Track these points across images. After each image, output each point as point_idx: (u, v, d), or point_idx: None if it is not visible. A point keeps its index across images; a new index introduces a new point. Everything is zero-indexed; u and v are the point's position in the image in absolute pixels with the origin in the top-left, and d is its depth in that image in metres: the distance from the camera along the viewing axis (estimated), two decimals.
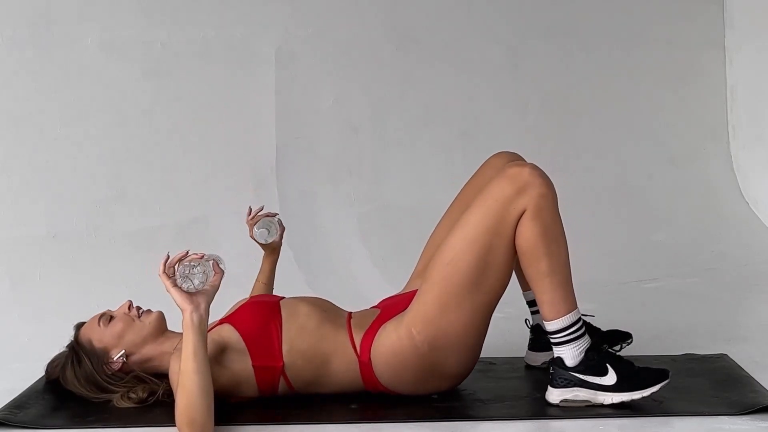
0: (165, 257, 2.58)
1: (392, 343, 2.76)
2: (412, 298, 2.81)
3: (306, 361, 2.77)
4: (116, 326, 2.80)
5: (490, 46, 4.95)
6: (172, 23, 4.23)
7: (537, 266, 2.70)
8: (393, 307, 2.87)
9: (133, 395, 2.76)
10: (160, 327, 2.82)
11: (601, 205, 4.95)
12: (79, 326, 2.85)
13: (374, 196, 4.60)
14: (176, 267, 2.56)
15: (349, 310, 2.91)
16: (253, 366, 2.75)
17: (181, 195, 4.15)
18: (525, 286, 3.10)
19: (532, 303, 3.11)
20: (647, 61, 5.31)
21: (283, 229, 3.16)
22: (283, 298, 2.91)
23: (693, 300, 4.21)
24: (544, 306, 2.72)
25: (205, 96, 4.33)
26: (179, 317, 2.72)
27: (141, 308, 2.84)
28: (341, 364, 2.79)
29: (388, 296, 3.00)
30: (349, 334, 2.80)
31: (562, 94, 5.11)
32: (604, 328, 3.10)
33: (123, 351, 2.78)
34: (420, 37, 4.80)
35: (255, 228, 3.09)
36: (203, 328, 2.57)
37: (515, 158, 3.00)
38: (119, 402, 2.76)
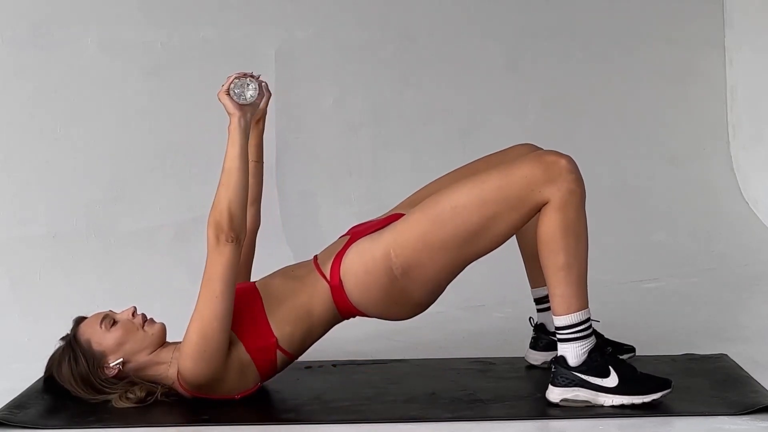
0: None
1: (365, 261, 2.78)
2: (391, 221, 2.81)
3: (293, 323, 2.79)
4: (118, 332, 2.79)
5: (490, 46, 4.95)
6: (172, 23, 4.22)
7: (554, 259, 2.70)
8: (366, 230, 2.88)
9: (131, 395, 2.76)
10: (161, 340, 2.83)
11: (601, 205, 4.94)
12: (79, 321, 2.84)
13: (374, 196, 4.60)
14: (232, 80, 2.80)
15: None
16: (248, 351, 2.76)
17: (181, 195, 4.15)
18: (534, 282, 3.10)
19: (539, 300, 3.12)
20: (647, 61, 5.31)
21: (269, 94, 2.99)
22: (256, 281, 2.92)
23: (693, 300, 4.21)
24: (556, 299, 2.72)
25: (205, 96, 4.32)
26: (179, 329, 2.73)
27: (146, 316, 2.84)
28: (318, 302, 2.81)
29: (356, 224, 3.00)
30: (317, 270, 2.84)
31: (562, 94, 5.10)
32: (603, 329, 3.10)
33: (121, 359, 2.78)
34: (420, 37, 4.80)
35: (230, 91, 2.82)
36: (248, 133, 2.79)
37: (538, 150, 2.98)
38: (118, 402, 2.76)
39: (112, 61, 4.09)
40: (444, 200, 2.74)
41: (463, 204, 2.71)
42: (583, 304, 2.72)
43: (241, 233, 2.71)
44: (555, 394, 2.74)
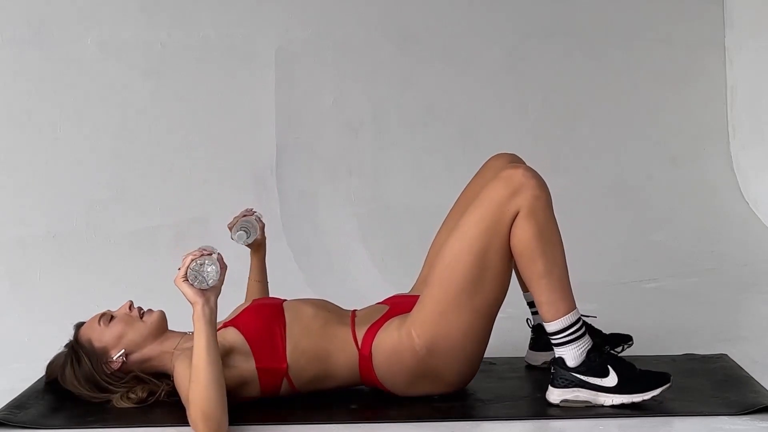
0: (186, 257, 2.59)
1: (393, 342, 2.77)
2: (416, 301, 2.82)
3: (309, 360, 2.78)
4: (116, 326, 2.80)
5: (490, 46, 4.95)
6: (172, 23, 4.23)
7: (533, 267, 2.70)
8: (401, 305, 2.87)
9: (132, 395, 2.76)
10: (162, 326, 2.82)
11: (601, 205, 4.95)
12: (79, 326, 2.85)
13: (374, 196, 4.60)
14: (188, 264, 2.58)
15: (353, 308, 2.92)
16: (257, 368, 2.75)
17: (181, 195, 4.15)
18: (525, 287, 3.10)
19: (532, 304, 3.12)
20: (647, 61, 5.31)
21: (262, 224, 3.10)
22: (285, 300, 2.91)
23: (693, 300, 4.21)
24: (542, 307, 2.73)
25: (205, 96, 4.33)
26: (180, 316, 2.73)
27: (142, 308, 2.84)
28: (341, 359, 2.79)
29: (396, 293, 3.00)
30: (351, 329, 2.81)
31: (562, 94, 5.10)
32: (603, 329, 3.10)
33: (123, 351, 2.78)
34: (420, 37, 4.80)
35: (233, 232, 3.03)
36: (214, 322, 2.59)
37: (514, 159, 3.01)
38: (119, 402, 2.76)
39: (112, 61, 4.09)
40: (440, 264, 2.75)
41: (453, 256, 2.72)
42: (570, 306, 2.72)
43: (220, 429, 2.59)
44: (555, 395, 2.74)
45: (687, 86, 5.42)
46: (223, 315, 2.80)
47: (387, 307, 2.89)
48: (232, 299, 2.94)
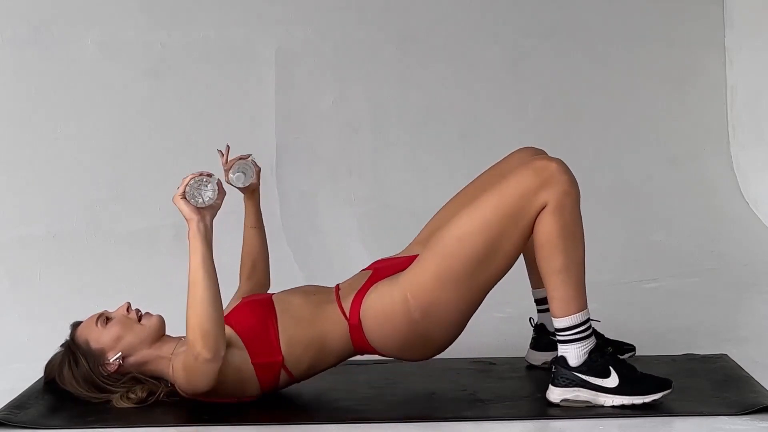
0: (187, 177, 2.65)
1: (384, 305, 2.76)
2: (410, 262, 2.81)
3: (304, 348, 2.78)
4: (114, 328, 2.79)
5: (490, 46, 4.95)
6: (172, 23, 4.23)
7: (551, 262, 2.70)
8: (387, 269, 2.86)
9: (132, 395, 2.76)
10: (160, 331, 2.82)
11: (601, 205, 4.95)
12: (76, 325, 2.84)
13: (374, 196, 4.60)
14: (187, 182, 2.64)
15: (336, 283, 2.92)
16: (253, 364, 2.75)
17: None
18: (535, 284, 3.10)
19: (540, 302, 3.12)
20: (647, 61, 5.31)
21: (258, 168, 3.05)
22: (274, 294, 2.91)
23: (693, 300, 4.21)
24: (554, 302, 2.72)
25: (205, 96, 4.33)
26: (178, 319, 2.72)
27: (140, 311, 2.84)
28: (334, 336, 2.80)
29: (379, 258, 2.99)
30: (338, 303, 2.82)
31: (562, 94, 5.10)
32: (603, 329, 3.10)
33: (120, 353, 2.78)
34: (420, 37, 4.80)
35: (230, 173, 2.98)
36: (209, 239, 2.63)
37: (541, 153, 2.99)
38: (118, 402, 2.76)
39: (112, 61, 4.09)
40: (448, 234, 2.74)
41: (467, 232, 2.71)
42: (582, 305, 2.72)
43: (217, 351, 2.61)
44: (555, 394, 2.74)
45: (687, 86, 5.42)
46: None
47: (370, 272, 2.88)
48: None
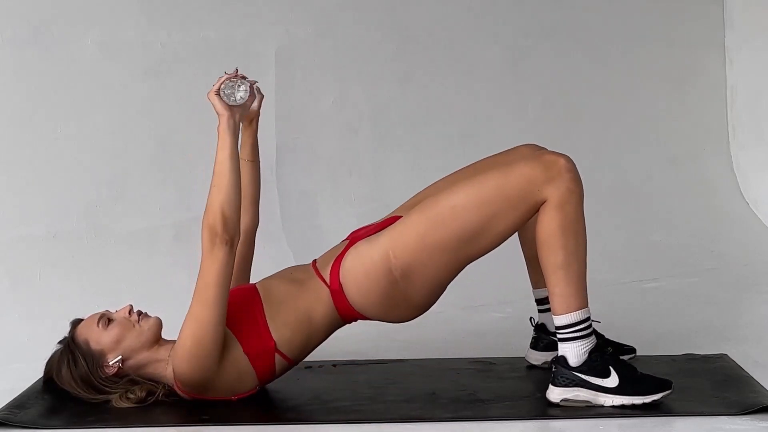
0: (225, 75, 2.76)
1: (364, 263, 2.77)
2: (390, 223, 2.81)
3: (293, 328, 2.79)
4: (115, 330, 2.79)
5: (490, 46, 4.95)
6: (172, 23, 4.22)
7: (552, 258, 2.70)
8: (364, 235, 2.87)
9: (131, 395, 2.76)
10: (157, 334, 2.82)
11: (601, 205, 4.94)
12: (76, 323, 2.84)
13: (374, 196, 4.60)
14: (222, 80, 2.76)
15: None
16: (246, 353, 2.75)
17: (181, 195, 4.15)
18: (536, 283, 3.10)
19: (540, 301, 3.12)
20: (647, 61, 5.31)
21: (261, 97, 2.96)
22: (257, 282, 2.91)
23: (693, 300, 4.21)
24: (555, 299, 2.73)
25: (205, 96, 4.32)
26: (176, 321, 2.73)
27: (141, 312, 2.84)
28: (318, 307, 2.81)
29: (357, 228, 2.99)
30: (317, 274, 2.83)
31: (562, 94, 5.10)
32: (603, 329, 3.10)
33: (120, 356, 2.78)
34: (420, 37, 4.80)
35: (220, 91, 2.82)
36: (237, 133, 2.77)
37: (543, 150, 2.99)
38: (118, 402, 2.76)
39: (112, 61, 4.09)
40: (443, 201, 2.74)
41: (463, 204, 2.71)
42: (583, 303, 2.73)
43: (235, 236, 2.69)
44: (555, 394, 2.74)
45: (687, 86, 5.42)
46: None
47: (347, 242, 2.89)
48: None
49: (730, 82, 5.47)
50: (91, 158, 4.04)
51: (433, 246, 2.73)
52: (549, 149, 2.95)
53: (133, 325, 2.80)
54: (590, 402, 2.72)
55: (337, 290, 2.79)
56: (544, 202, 2.69)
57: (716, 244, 4.99)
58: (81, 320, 2.85)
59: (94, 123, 4.06)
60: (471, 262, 2.81)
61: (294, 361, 2.83)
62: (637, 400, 2.69)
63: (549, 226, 2.69)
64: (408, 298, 2.80)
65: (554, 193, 2.68)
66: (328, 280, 2.81)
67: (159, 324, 2.83)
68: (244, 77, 2.79)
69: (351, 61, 4.63)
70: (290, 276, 2.89)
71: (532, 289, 3.12)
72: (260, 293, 2.84)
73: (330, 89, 4.59)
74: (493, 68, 4.95)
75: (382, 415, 2.75)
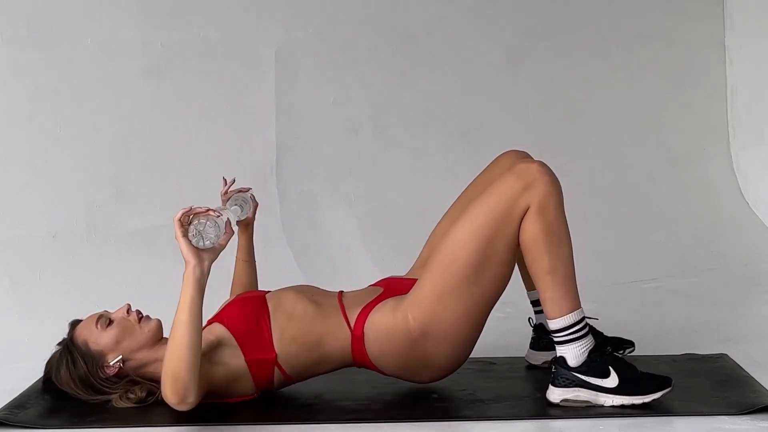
0: (188, 208, 2.60)
1: (387, 323, 2.77)
2: (414, 284, 2.82)
3: (299, 346, 2.78)
4: (114, 330, 2.79)
5: (490, 46, 4.95)
6: (172, 23, 4.23)
7: (539, 263, 2.71)
8: (395, 288, 2.87)
9: (132, 395, 2.76)
10: (158, 335, 2.82)
11: (601, 205, 4.95)
12: (75, 324, 2.84)
13: (374, 196, 4.60)
14: (191, 219, 2.59)
15: (340, 290, 2.92)
16: (246, 361, 2.75)
17: (181, 195, 4.15)
18: (530, 285, 3.10)
19: (535, 303, 3.12)
20: (647, 61, 5.31)
21: (256, 204, 3.10)
22: (268, 291, 2.91)
23: (693, 300, 4.21)
24: (547, 304, 2.73)
25: (205, 96, 4.33)
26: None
27: (141, 313, 2.84)
28: (333, 342, 2.79)
29: (390, 276, 3.00)
30: (341, 311, 2.81)
31: (562, 94, 5.10)
32: (603, 329, 3.10)
33: (120, 357, 2.78)
34: (420, 37, 4.80)
35: (228, 204, 3.03)
36: (203, 284, 2.59)
37: (525, 156, 3.02)
38: (118, 402, 2.76)
39: (112, 61, 4.09)
40: (441, 250, 2.76)
41: (457, 243, 2.72)
42: (575, 305, 2.72)
43: (184, 398, 2.59)
44: (555, 394, 2.74)
45: (687, 86, 5.42)
46: (209, 312, 2.79)
47: (381, 289, 2.89)
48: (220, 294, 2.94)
49: (730, 82, 5.47)
50: (91, 158, 4.04)
51: (445, 296, 2.73)
52: (524, 157, 2.97)
53: (133, 326, 2.80)
54: (590, 402, 2.72)
55: (358, 337, 2.79)
56: (528, 209, 2.69)
57: (716, 244, 4.99)
58: (80, 321, 2.85)
59: (94, 123, 4.06)
60: (490, 303, 2.78)
61: (293, 378, 2.82)
62: (637, 399, 2.70)
63: (532, 232, 2.70)
64: (427, 357, 2.79)
65: (534, 199, 2.69)
66: (352, 324, 2.80)
67: (160, 327, 2.83)
68: (218, 215, 2.60)
69: (351, 61, 4.63)
70: (310, 296, 2.86)
71: (526, 291, 3.12)
72: (269, 304, 2.83)
73: (330, 89, 4.59)
74: (492, 68, 4.95)
75: (382, 415, 2.75)
